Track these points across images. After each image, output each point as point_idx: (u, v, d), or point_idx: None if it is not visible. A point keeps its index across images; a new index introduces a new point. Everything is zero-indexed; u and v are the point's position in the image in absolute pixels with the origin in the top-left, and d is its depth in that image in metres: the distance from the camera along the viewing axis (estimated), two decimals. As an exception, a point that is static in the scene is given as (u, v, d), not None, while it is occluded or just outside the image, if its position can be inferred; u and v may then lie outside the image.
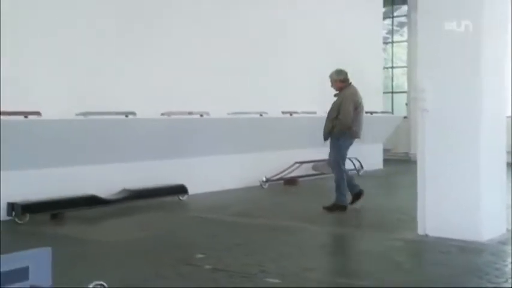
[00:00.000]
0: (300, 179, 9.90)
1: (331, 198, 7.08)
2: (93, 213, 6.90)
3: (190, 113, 8.25)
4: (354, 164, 11.16)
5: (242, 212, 7.12)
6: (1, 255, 3.89)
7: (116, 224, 6.55)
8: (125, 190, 7.43)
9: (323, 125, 7.12)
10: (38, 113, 6.52)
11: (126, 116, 7.45)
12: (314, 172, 10.44)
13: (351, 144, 7.16)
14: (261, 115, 9.61)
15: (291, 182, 9.74)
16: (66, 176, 6.93)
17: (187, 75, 8.55)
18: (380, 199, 8.23)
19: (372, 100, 12.22)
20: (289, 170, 9.84)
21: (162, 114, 8.01)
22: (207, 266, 4.55)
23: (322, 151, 10.58)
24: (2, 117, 6.20)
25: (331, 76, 7.20)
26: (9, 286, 3.24)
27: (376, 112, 12.03)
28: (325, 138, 7.11)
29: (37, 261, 3.41)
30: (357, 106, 7.10)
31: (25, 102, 6.55)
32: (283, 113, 10.03)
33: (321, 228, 6.18)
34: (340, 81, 7.12)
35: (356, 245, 5.37)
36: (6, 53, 6.51)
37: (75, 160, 7.06)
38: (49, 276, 3.41)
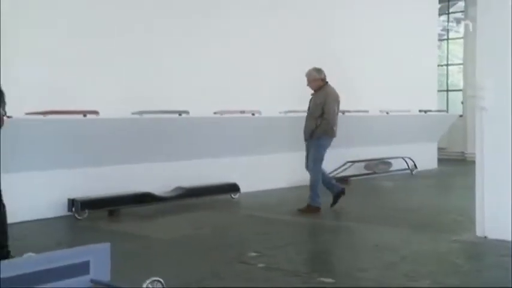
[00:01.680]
0: (352, 178, 9.80)
1: (383, 197, 6.98)
2: (148, 210, 7.05)
3: (242, 112, 8.30)
4: (407, 163, 10.98)
5: (294, 210, 7.10)
6: (63, 250, 4.05)
7: (170, 221, 6.65)
8: (178, 188, 7.55)
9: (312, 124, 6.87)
10: (96, 112, 6.70)
11: (180, 115, 7.56)
12: (366, 171, 10.33)
13: (330, 144, 7.01)
14: (312, 113, 9.57)
15: (342, 181, 9.63)
16: (122, 174, 7.10)
17: (239, 74, 8.61)
18: (435, 199, 8.05)
19: (426, 98, 12.02)
20: (341, 169, 9.76)
21: (215, 113, 8.09)
22: (260, 265, 4.57)
23: (374, 150, 10.55)
24: (62, 116, 6.42)
25: (309, 75, 6.97)
26: (71, 279, 3.35)
27: (430, 110, 11.80)
28: (306, 139, 6.93)
29: (97, 256, 3.51)
30: (338, 105, 7.00)
31: (83, 101, 6.74)
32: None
33: (374, 228, 6.10)
34: (321, 80, 6.96)
35: (411, 245, 5.26)
36: (65, 55, 6.73)
37: (131, 158, 7.22)
38: (108, 271, 3.51)
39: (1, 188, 4.33)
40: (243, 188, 8.04)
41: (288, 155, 9.04)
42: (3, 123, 4.19)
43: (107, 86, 7.15)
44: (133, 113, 7.19)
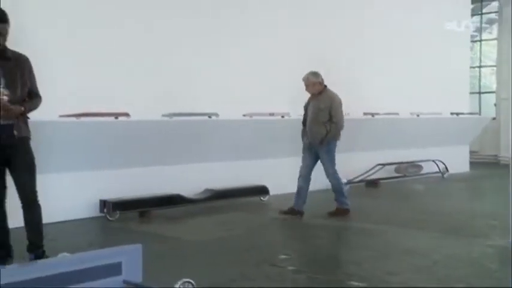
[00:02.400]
0: (382, 181, 9.72)
1: (414, 201, 6.89)
2: (177, 212, 7.10)
3: (271, 114, 8.30)
4: (438, 166, 10.84)
5: (323, 213, 7.07)
6: (96, 250, 4.11)
7: (200, 223, 6.69)
8: (207, 190, 7.59)
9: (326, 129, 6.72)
10: (127, 114, 6.79)
11: (210, 117, 7.60)
12: (397, 174, 10.23)
13: (336, 146, 6.93)
14: (343, 116, 9.53)
15: (373, 184, 9.59)
16: (152, 175, 7.17)
17: (268, 77, 8.61)
18: (468, 203, 7.93)
19: (458, 101, 11.84)
20: (371, 172, 9.69)
21: (244, 115, 8.11)
22: (290, 267, 4.56)
23: (405, 153, 10.43)
24: (94, 118, 6.52)
25: (307, 79, 6.81)
26: (103, 279, 3.40)
27: (462, 113, 11.62)
28: (317, 144, 6.75)
29: (129, 257, 3.55)
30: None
31: (115, 103, 6.83)
32: (364, 114, 9.88)
33: (405, 232, 6.03)
34: (320, 83, 6.83)
35: (444, 249, 5.18)
36: (98, 57, 6.83)
37: (161, 160, 7.29)
38: (140, 272, 3.55)
39: (36, 189, 4.42)
40: (273, 191, 8.04)
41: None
42: (12, 116, 4.22)
43: (138, 88, 7.22)
44: (163, 115, 7.26)
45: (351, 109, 9.57)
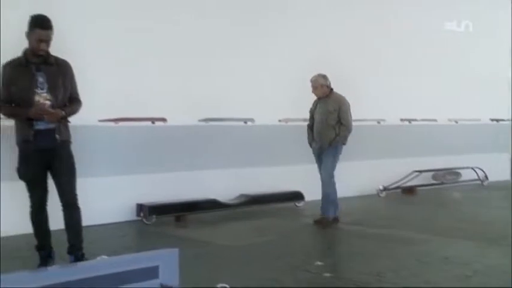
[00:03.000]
0: (419, 188, 9.58)
1: (452, 209, 6.75)
2: (212, 216, 7.13)
3: (307, 120, 8.24)
4: (477, 174, 10.61)
5: (359, 220, 7.01)
6: (134, 254, 4.14)
7: (235, 228, 6.70)
8: (242, 195, 7.61)
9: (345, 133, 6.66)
10: (163, 119, 6.86)
11: (245, 123, 7.62)
12: (434, 181, 10.06)
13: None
14: (378, 122, 9.44)
15: (409, 191, 9.46)
16: (188, 180, 7.22)
17: (301, 82, 8.56)
18: (508, 212, 7.71)
19: (498, 107, 11.57)
20: (408, 179, 9.55)
21: (280, 120, 8.11)
22: (326, 274, 4.52)
23: (443, 160, 10.24)
24: (132, 123, 6.62)
25: (316, 81, 6.72)
26: (140, 283, 3.43)
27: (502, 120, 11.36)
28: (326, 147, 6.63)
29: (166, 261, 3.57)
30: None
31: (152, 108, 6.91)
32: (401, 120, 9.77)
33: (444, 240, 5.92)
34: (327, 86, 6.73)
35: (484, 259, 5.06)
36: (136, 62, 6.92)
37: (197, 164, 7.34)
38: (177, 276, 3.56)
39: (76, 192, 4.51)
40: (308, 197, 8.01)
41: (352, 163, 8.90)
42: (54, 120, 4.31)
43: (175, 94, 7.29)
44: (199, 120, 7.32)
45: (387, 115, 9.52)
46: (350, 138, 8.69)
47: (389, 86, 9.56)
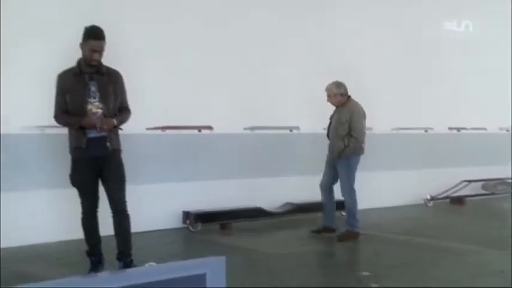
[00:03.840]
0: (468, 199, 9.34)
1: (504, 220, 6.55)
2: (258, 224, 7.13)
3: (352, 128, 8.18)
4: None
5: (406, 230, 6.89)
6: (181, 261, 4.19)
7: (280, 237, 6.68)
8: (288, 203, 7.59)
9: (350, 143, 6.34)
10: (210, 127, 6.93)
11: (291, 131, 7.62)
12: (484, 192, 9.79)
13: (358, 162, 6.45)
14: (426, 131, 9.28)
15: (458, 201, 9.23)
16: (233, 188, 7.25)
17: (352, 91, 8.49)
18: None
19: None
20: (456, 189, 9.33)
21: (325, 129, 8.06)
22: (374, 285, 4.46)
23: (493, 169, 9.96)
24: (178, 131, 6.71)
25: (329, 90, 6.47)
26: (187, 291, 3.46)
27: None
28: (335, 159, 6.39)
29: (213, 269, 3.58)
30: (365, 121, 6.47)
31: (198, 117, 6.99)
32: (450, 128, 9.57)
33: (495, 252, 5.75)
34: (341, 94, 6.41)
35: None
36: (182, 71, 7.01)
37: (242, 172, 7.36)
38: (224, 284, 3.58)
39: (126, 200, 4.59)
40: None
41: (399, 172, 8.80)
42: (106, 128, 4.40)
43: (221, 102, 7.34)
44: (245, 128, 7.36)
45: (435, 124, 9.34)
46: (397, 147, 8.61)
47: (437, 95, 9.38)
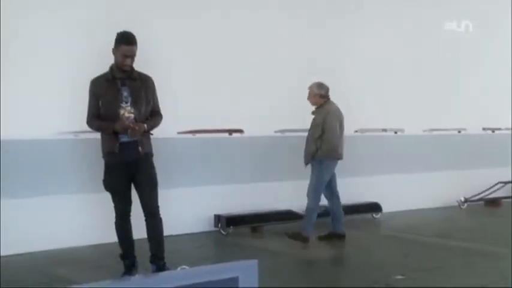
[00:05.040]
0: (504, 200, 9.14)
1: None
2: (289, 227, 7.07)
3: (384, 130, 8.13)
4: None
5: (440, 232, 6.78)
6: (214, 265, 4.21)
7: (311, 240, 6.64)
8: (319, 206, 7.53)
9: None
10: (240, 131, 6.95)
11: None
12: (520, 193, 9.58)
13: (334, 167, 6.24)
14: (459, 132, 9.13)
15: (493, 203, 9.05)
16: (264, 191, 7.24)
17: (382, 92, 8.44)
18: None
19: None
20: (491, 190, 9.15)
21: (356, 131, 8.01)
22: (399, 276, 4.41)
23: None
24: (209, 134, 6.75)
25: (310, 89, 6.30)
26: (220, 294, 3.47)
27: None
28: (307, 162, 6.22)
29: (245, 272, 3.58)
30: (341, 124, 6.24)
31: (229, 120, 7.01)
32: (484, 129, 9.40)
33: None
34: (320, 96, 6.22)
35: None
36: (213, 75, 7.05)
37: (273, 176, 7.34)
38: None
39: (158, 203, 4.63)
40: (385, 208, 7.84)
41: (432, 174, 8.68)
42: (138, 133, 4.45)
43: (252, 105, 7.35)
44: (275, 131, 7.35)
45: (468, 124, 9.18)
46: (429, 148, 8.46)
47: (468, 95, 9.23)
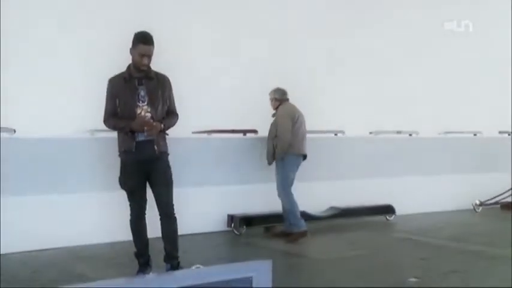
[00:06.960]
0: (520, 205, 9.06)
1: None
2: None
3: (398, 132, 8.11)
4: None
5: (454, 236, 6.74)
6: (227, 264, 4.22)
7: (325, 241, 6.65)
8: (332, 208, 7.54)
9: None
10: (255, 131, 6.98)
11: (335, 134, 7.57)
12: (536, 197, 9.48)
13: (298, 163, 6.44)
14: (474, 135, 9.07)
15: (509, 206, 8.97)
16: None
17: (398, 94, 8.42)
18: None
19: None
20: (507, 194, 9.07)
21: (370, 133, 8.00)
22: (412, 279, 4.39)
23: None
24: (224, 134, 6.78)
25: (269, 94, 6.63)
26: (233, 293, 3.48)
27: None
28: (270, 162, 6.51)
29: (259, 272, 3.59)
30: (295, 121, 6.38)
31: (245, 121, 7.04)
32: (500, 132, 9.33)
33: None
34: (276, 99, 6.54)
35: None
36: (232, 77, 7.07)
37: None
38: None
39: (173, 203, 4.66)
40: (398, 210, 7.81)
41: (446, 177, 8.64)
42: (154, 132, 4.48)
43: (267, 105, 7.35)
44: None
45: (484, 127, 9.12)
46: (445, 151, 8.40)
47: (482, 98, 9.17)
